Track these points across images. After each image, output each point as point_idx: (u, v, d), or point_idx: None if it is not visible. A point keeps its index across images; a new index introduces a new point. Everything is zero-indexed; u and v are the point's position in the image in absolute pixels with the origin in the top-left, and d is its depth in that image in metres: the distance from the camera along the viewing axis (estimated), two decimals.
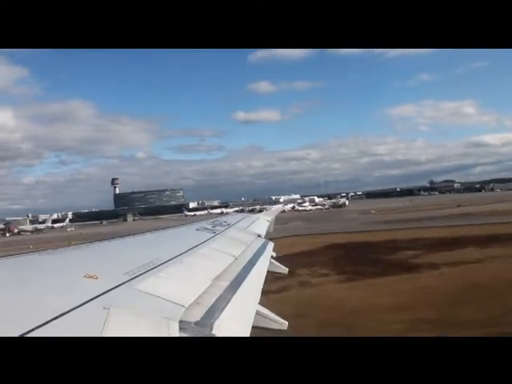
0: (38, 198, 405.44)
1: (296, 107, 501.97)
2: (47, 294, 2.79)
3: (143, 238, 6.44)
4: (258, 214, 15.90)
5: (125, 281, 3.32)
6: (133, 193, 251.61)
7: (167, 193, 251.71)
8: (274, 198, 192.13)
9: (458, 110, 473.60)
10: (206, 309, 3.34)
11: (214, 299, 3.63)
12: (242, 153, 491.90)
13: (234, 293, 4.00)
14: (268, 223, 12.38)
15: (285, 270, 8.11)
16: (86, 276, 3.21)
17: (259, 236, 9.17)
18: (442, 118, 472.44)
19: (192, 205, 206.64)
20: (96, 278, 3.21)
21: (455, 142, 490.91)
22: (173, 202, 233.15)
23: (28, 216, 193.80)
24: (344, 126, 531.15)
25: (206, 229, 7.94)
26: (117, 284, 3.18)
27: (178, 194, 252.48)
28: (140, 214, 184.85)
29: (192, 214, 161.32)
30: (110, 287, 3.05)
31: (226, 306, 3.53)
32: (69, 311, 2.45)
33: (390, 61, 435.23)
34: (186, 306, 3.15)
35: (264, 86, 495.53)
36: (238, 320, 3.52)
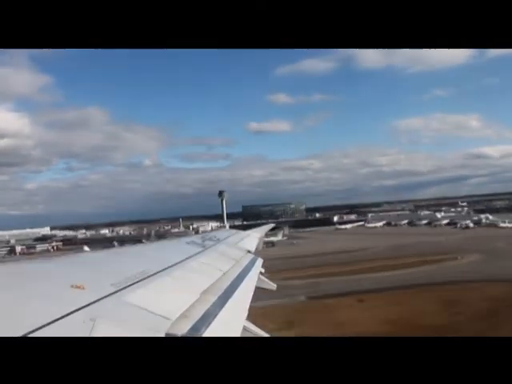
0: (37, 204, 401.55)
1: (309, 119, 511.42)
2: (32, 303, 2.74)
3: (132, 250, 6.38)
4: (249, 231, 15.87)
5: (112, 292, 3.29)
6: (260, 205, 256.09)
7: (292, 206, 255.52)
8: (422, 213, 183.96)
9: (462, 123, 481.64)
10: (193, 322, 3.31)
11: (201, 313, 3.60)
12: (246, 162, 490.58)
13: (222, 307, 3.97)
14: (258, 240, 12.37)
15: (273, 286, 8.09)
16: (72, 286, 3.17)
17: (249, 252, 9.17)
18: (446, 130, 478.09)
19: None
20: (83, 289, 3.17)
21: (455, 153, 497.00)
22: (297, 215, 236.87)
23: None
24: (351, 137, 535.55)
25: (196, 243, 7.92)
26: (104, 295, 3.15)
27: (301, 208, 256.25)
28: (292, 226, 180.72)
29: (343, 227, 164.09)
30: (96, 298, 3.01)
31: (213, 320, 3.50)
32: (53, 322, 2.41)
33: (410, 76, 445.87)
34: (173, 319, 3.12)
35: (281, 98, 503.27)
36: (224, 335, 3.49)
